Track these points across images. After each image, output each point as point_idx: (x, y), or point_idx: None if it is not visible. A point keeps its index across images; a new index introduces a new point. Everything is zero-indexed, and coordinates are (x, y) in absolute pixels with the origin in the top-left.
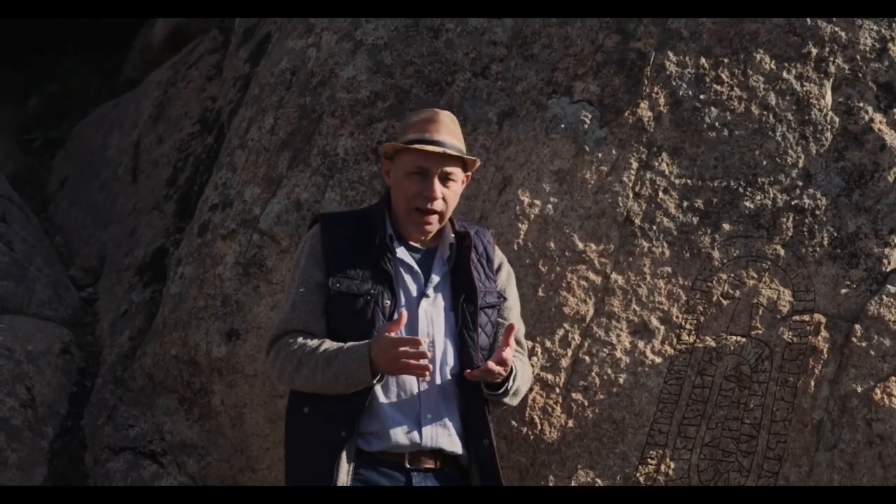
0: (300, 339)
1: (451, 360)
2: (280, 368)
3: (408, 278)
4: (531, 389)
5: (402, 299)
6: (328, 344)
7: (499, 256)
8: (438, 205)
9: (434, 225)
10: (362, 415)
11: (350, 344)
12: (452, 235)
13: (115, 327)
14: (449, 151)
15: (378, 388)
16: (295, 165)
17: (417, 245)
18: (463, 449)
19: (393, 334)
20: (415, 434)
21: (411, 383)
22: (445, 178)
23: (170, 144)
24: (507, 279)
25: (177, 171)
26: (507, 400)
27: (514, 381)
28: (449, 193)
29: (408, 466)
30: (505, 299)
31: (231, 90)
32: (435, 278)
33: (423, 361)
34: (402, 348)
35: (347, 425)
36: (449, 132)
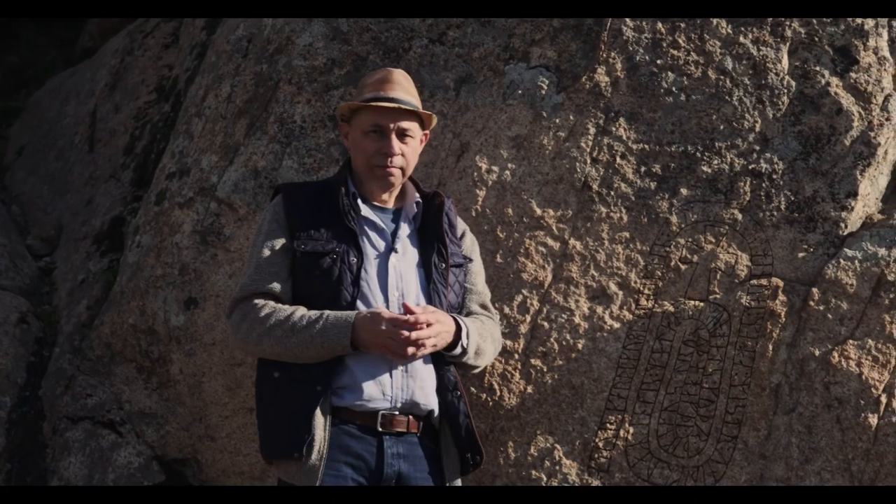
0: (271, 304)
1: None
2: (246, 330)
3: (373, 235)
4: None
5: (370, 256)
6: (304, 311)
7: (462, 224)
8: (398, 161)
9: (396, 178)
10: (336, 371)
11: (334, 312)
12: (417, 195)
13: (73, 296)
14: (404, 106)
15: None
16: (252, 133)
17: (382, 205)
18: (437, 406)
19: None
20: (387, 385)
21: None
22: (403, 135)
23: (126, 113)
24: (471, 245)
25: (134, 139)
26: (469, 360)
27: (468, 338)
28: (407, 150)
29: (380, 430)
30: (471, 260)
31: (188, 58)
32: (402, 234)
33: (404, 349)
34: (387, 327)
35: (321, 381)
36: (403, 90)
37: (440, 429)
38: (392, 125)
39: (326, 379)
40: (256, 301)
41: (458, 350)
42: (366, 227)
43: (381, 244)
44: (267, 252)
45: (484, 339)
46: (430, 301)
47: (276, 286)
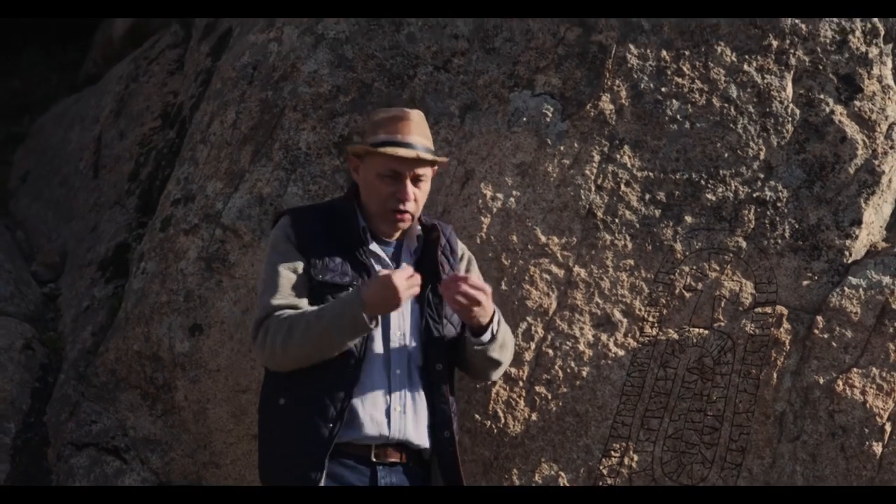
0: (289, 311)
1: (418, 353)
2: (271, 340)
3: (379, 269)
4: (500, 380)
5: None
6: (314, 307)
7: (461, 247)
8: (411, 206)
9: (407, 222)
10: (344, 414)
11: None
12: (419, 228)
13: (78, 323)
14: (423, 156)
15: None
16: (257, 160)
17: (385, 238)
18: (428, 442)
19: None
20: (384, 425)
21: (381, 375)
22: (417, 180)
23: (131, 139)
24: (467, 265)
25: (138, 165)
26: (494, 352)
27: (498, 325)
28: (420, 194)
29: (374, 460)
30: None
31: (192, 85)
32: None
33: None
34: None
35: (330, 425)
36: (419, 132)
37: (430, 461)
38: (408, 172)
39: (336, 421)
40: (277, 314)
41: (487, 335)
42: (372, 261)
43: None
44: (285, 270)
45: (507, 332)
46: (426, 337)
47: (297, 302)
